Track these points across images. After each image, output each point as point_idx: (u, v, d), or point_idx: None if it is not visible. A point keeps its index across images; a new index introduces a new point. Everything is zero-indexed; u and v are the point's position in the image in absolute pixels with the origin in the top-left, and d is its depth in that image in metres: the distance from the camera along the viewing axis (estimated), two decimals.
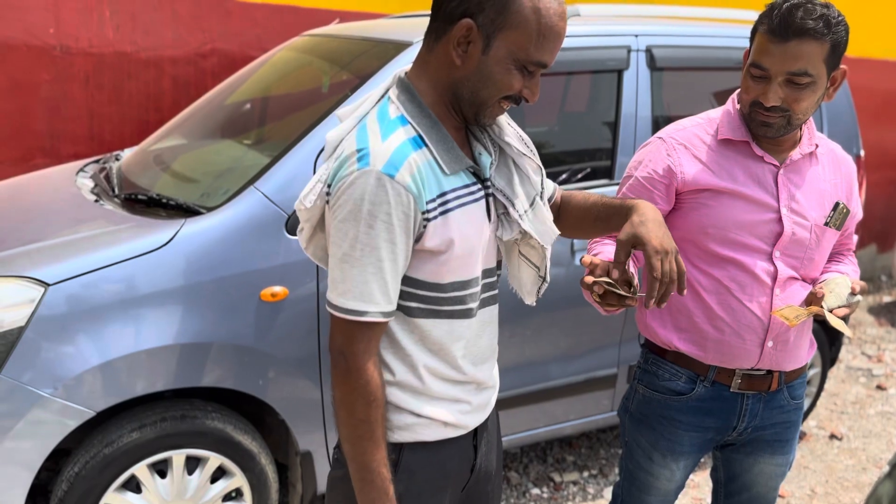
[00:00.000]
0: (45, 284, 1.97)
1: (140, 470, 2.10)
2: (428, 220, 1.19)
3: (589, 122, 3.02)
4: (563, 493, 3.02)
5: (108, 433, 2.06)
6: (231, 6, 3.73)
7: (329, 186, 1.20)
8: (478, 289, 1.30)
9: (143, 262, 2.04)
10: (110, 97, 3.61)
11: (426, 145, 1.21)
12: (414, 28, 2.64)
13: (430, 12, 1.26)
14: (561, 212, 1.49)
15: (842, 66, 1.57)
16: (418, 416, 1.29)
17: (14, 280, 1.97)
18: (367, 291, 1.17)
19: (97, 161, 2.98)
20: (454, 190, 1.23)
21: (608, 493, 3.01)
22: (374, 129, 1.19)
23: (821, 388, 3.49)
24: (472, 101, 1.23)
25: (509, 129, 1.34)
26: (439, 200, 1.20)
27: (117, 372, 2.01)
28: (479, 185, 1.28)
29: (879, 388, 4.11)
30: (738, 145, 1.64)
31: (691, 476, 3.10)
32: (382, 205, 1.14)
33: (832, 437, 3.58)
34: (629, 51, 2.75)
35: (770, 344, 1.65)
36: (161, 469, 2.16)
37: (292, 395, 2.24)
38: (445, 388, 1.31)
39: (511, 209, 1.30)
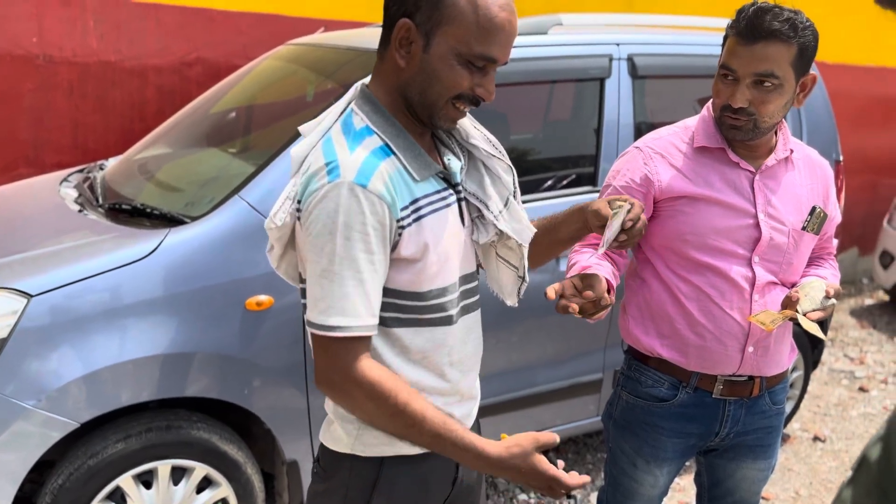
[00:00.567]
0: (28, 295, 1.96)
1: (125, 481, 2.09)
2: (402, 227, 1.19)
3: (573, 129, 3.05)
4: (550, 499, 3.03)
5: (92, 444, 2.06)
6: (215, 15, 3.74)
7: (299, 203, 1.18)
8: (456, 294, 1.30)
9: (127, 272, 2.04)
10: (94, 106, 3.59)
11: (394, 154, 1.20)
12: None
13: None
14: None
15: (812, 73, 1.59)
16: None
17: None
18: (350, 306, 1.15)
19: (81, 170, 2.97)
20: (426, 196, 1.23)
21: (594, 498, 3.02)
22: (341, 142, 1.18)
23: (804, 391, 3.53)
24: (422, 102, 1.21)
25: (475, 132, 1.34)
26: (412, 207, 1.20)
27: (101, 383, 2.00)
28: (451, 191, 1.28)
29: (862, 389, 4.15)
30: (714, 152, 1.66)
31: (677, 480, 3.12)
32: (357, 215, 1.13)
33: (815, 439, 3.62)
34: (611, 59, 2.78)
35: (751, 349, 1.68)
36: (146, 480, 2.15)
37: (278, 405, 2.24)
38: (429, 400, 1.29)
39: (485, 211, 1.30)
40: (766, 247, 1.65)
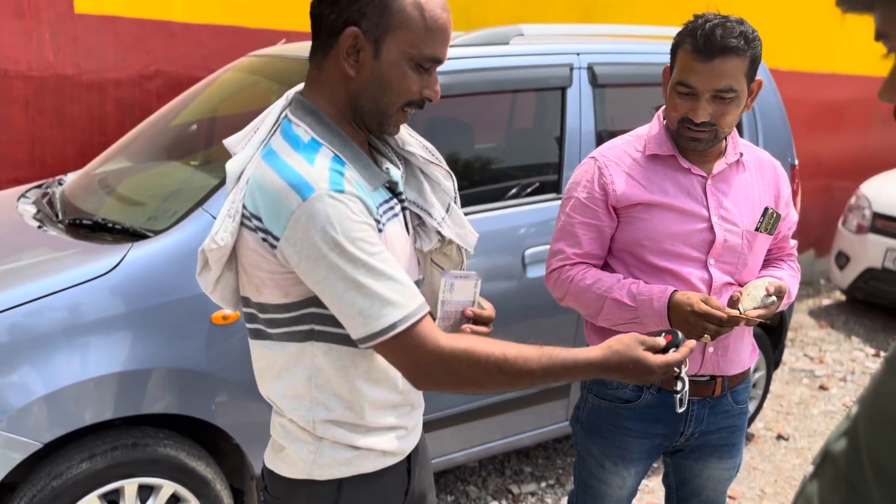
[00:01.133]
0: None
1: (90, 501, 2.05)
2: (379, 230, 1.18)
3: (536, 138, 3.09)
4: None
5: (56, 465, 2.01)
6: (175, 27, 3.70)
7: (269, 233, 1.12)
8: None
9: (88, 288, 2.01)
10: (52, 121, 3.53)
11: (346, 164, 1.18)
12: None
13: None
14: None
15: (758, 78, 1.65)
16: (357, 448, 1.26)
17: None
18: (392, 299, 1.11)
19: (39, 186, 2.92)
20: (380, 206, 1.21)
21: (565, 501, 3.05)
22: (295, 157, 1.14)
23: (766, 391, 3.61)
24: (375, 110, 1.20)
25: (411, 140, 1.33)
26: (375, 216, 1.18)
27: (65, 402, 1.96)
28: (396, 200, 1.27)
29: (822, 388, 4.26)
30: (666, 159, 1.71)
31: (645, 482, 3.16)
32: (348, 220, 1.10)
33: (779, 437, 3.70)
34: (571, 69, 2.83)
35: (711, 349, 1.72)
36: (113, 500, 2.11)
37: (246, 419, 2.21)
38: (384, 416, 1.27)
39: (429, 219, 1.29)
40: (720, 249, 1.69)
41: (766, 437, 3.70)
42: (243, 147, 1.22)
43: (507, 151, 3.16)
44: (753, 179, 1.76)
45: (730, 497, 3.15)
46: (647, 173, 1.70)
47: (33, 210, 2.56)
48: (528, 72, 2.77)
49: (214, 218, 2.15)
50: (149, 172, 2.77)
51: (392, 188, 1.26)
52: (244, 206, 1.16)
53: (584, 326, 1.86)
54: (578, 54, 2.87)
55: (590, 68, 2.87)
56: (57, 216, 2.46)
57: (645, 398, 1.75)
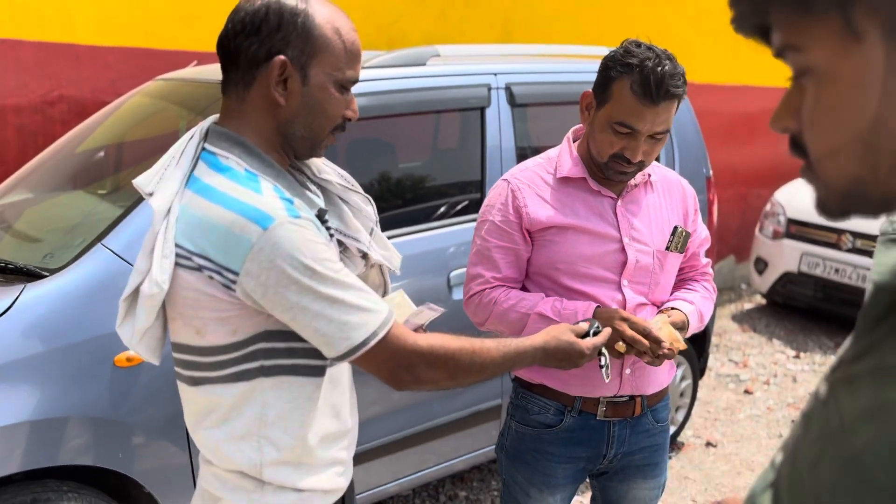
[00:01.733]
0: None
1: None
2: None
3: (460, 157, 3.07)
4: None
5: None
6: (80, 51, 3.54)
7: (226, 269, 1.10)
8: None
9: None
10: None
11: (284, 192, 1.18)
12: None
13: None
14: None
15: None
16: (300, 491, 1.25)
17: None
18: (364, 311, 1.15)
19: None
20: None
21: None
22: (241, 190, 1.12)
23: (693, 398, 3.67)
24: (307, 136, 1.21)
25: (326, 168, 1.35)
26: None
27: None
28: (325, 228, 1.26)
29: (747, 392, 4.37)
30: (577, 182, 1.70)
31: None
32: (311, 242, 1.12)
33: (708, 444, 3.76)
34: (489, 89, 2.83)
35: (628, 371, 1.71)
36: None
37: (158, 465, 2.09)
38: (329, 448, 1.28)
39: (355, 244, 1.32)
40: (632, 269, 1.69)
41: (695, 445, 3.76)
42: (157, 184, 1.18)
43: (431, 172, 3.13)
44: (662, 199, 1.77)
45: None
46: (559, 196, 1.69)
47: None
48: (447, 92, 2.76)
49: (115, 253, 2.03)
50: (50, 203, 2.62)
51: (320, 215, 1.25)
52: (178, 246, 1.12)
53: None
54: (496, 74, 2.87)
55: (507, 88, 2.87)
56: None
57: (566, 422, 1.74)
